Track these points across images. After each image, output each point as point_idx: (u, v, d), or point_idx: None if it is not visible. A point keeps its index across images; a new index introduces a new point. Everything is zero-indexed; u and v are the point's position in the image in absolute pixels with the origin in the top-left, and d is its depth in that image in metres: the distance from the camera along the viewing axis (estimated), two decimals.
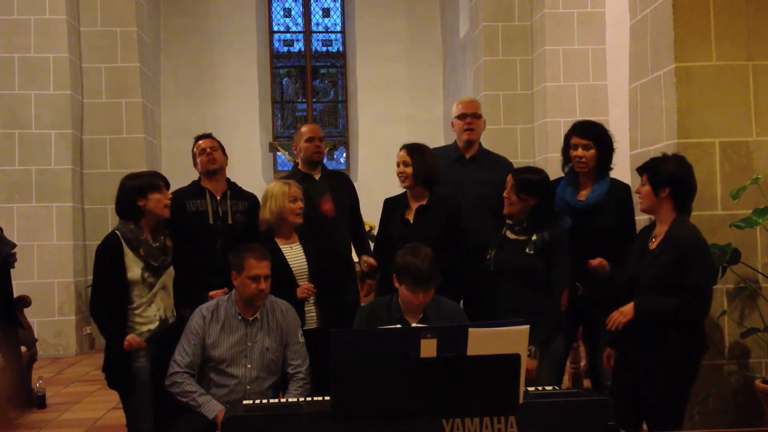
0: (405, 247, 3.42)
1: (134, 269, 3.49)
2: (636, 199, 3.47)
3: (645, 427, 3.38)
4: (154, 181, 3.57)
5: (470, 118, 4.29)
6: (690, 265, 3.16)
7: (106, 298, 3.51)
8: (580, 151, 3.77)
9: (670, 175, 3.24)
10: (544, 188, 3.64)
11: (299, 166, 4.48)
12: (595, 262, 3.66)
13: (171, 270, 3.64)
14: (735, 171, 3.98)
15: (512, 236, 3.65)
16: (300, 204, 3.93)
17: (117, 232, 3.53)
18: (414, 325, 3.34)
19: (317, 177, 4.44)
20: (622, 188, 3.87)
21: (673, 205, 3.26)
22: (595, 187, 3.80)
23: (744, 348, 3.95)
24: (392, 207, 4.10)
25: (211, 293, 3.79)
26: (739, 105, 4.02)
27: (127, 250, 3.49)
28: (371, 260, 4.11)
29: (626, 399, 3.25)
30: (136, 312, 3.51)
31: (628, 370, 3.31)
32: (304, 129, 4.46)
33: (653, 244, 3.30)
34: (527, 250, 3.56)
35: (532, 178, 3.60)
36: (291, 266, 3.86)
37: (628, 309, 3.22)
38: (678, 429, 3.24)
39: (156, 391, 3.56)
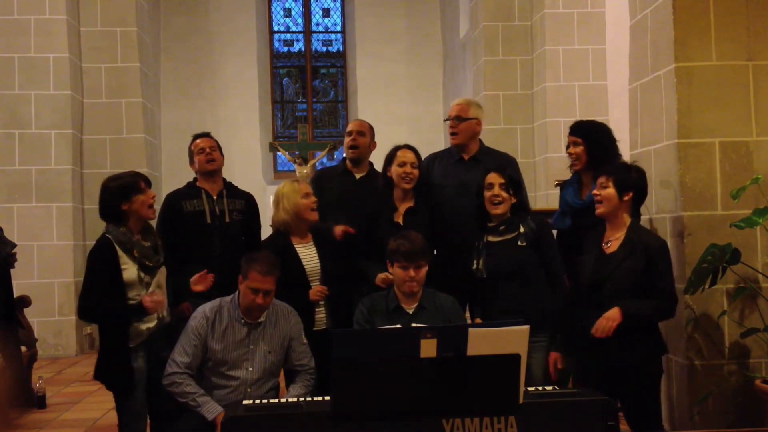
0: (396, 235, 3.54)
1: (130, 270, 3.44)
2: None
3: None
4: (135, 182, 3.50)
5: (453, 121, 4.20)
6: (660, 270, 3.29)
7: (100, 296, 3.42)
8: (571, 148, 3.90)
9: (634, 181, 3.42)
10: (522, 185, 3.82)
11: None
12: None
13: (164, 269, 3.61)
14: (735, 171, 3.97)
15: (497, 239, 3.67)
16: (313, 199, 3.90)
17: (108, 236, 3.48)
18: (410, 312, 3.46)
19: (357, 176, 4.40)
20: None
21: (630, 210, 3.41)
22: (593, 185, 3.81)
23: (744, 348, 3.94)
24: (376, 211, 4.04)
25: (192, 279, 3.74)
26: (739, 105, 4.01)
27: (120, 252, 3.44)
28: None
29: None
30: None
31: (596, 371, 3.31)
32: None
33: (609, 248, 3.36)
34: (519, 243, 3.59)
35: (514, 176, 3.74)
36: (305, 267, 3.84)
37: (615, 314, 3.23)
38: (658, 427, 3.28)
39: (154, 391, 3.55)
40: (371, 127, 4.51)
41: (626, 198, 3.37)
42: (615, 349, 3.25)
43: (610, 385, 3.21)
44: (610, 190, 3.35)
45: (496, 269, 3.62)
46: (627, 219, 3.40)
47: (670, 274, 3.39)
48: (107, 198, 3.51)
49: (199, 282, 3.73)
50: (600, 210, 3.38)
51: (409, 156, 3.95)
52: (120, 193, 3.48)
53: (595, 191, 3.40)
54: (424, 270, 3.44)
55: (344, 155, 4.54)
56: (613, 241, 3.37)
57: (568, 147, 3.93)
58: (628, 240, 3.33)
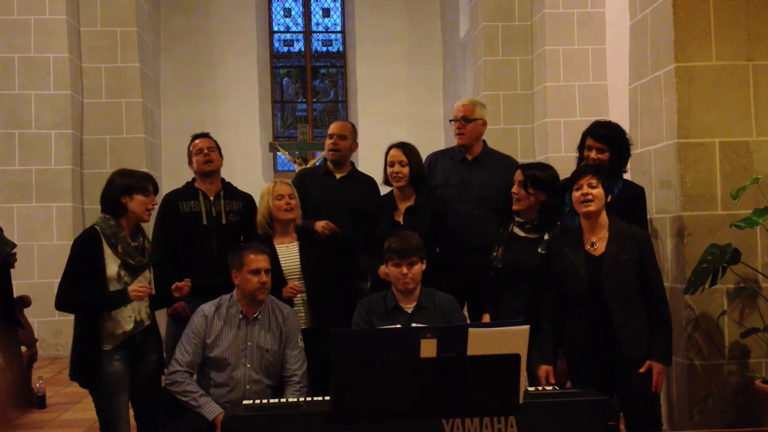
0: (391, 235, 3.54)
1: (112, 266, 3.39)
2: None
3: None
4: (143, 183, 3.47)
5: (460, 122, 4.19)
6: (652, 267, 3.32)
7: (77, 287, 3.36)
8: (594, 154, 3.74)
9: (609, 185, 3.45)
10: (553, 184, 3.64)
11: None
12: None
13: (148, 273, 3.54)
14: (735, 171, 3.98)
15: (521, 233, 3.64)
16: (287, 200, 3.90)
17: (96, 227, 3.43)
18: (408, 311, 3.45)
19: (338, 176, 4.42)
20: (634, 190, 3.85)
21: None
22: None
23: (744, 348, 3.95)
24: (378, 209, 4.06)
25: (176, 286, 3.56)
26: (739, 105, 4.01)
27: (105, 246, 3.39)
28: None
29: None
30: (111, 312, 3.38)
31: (596, 371, 3.28)
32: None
33: (597, 249, 3.32)
34: (540, 250, 3.54)
35: (540, 174, 3.61)
36: (282, 265, 3.84)
37: (658, 369, 3.26)
38: (657, 426, 3.28)
39: (139, 397, 3.52)
40: (353, 128, 4.54)
41: (608, 200, 3.34)
42: (622, 343, 3.24)
43: (610, 384, 3.22)
44: (600, 190, 3.30)
45: (511, 264, 3.60)
46: (606, 218, 3.36)
47: (659, 272, 3.41)
48: (111, 188, 3.47)
49: (175, 290, 3.56)
50: (590, 208, 3.29)
51: (396, 155, 3.96)
52: (125, 187, 3.44)
53: (584, 191, 3.30)
54: (418, 267, 3.43)
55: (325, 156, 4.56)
56: (599, 241, 3.33)
57: (589, 150, 3.75)
58: (614, 235, 3.30)
